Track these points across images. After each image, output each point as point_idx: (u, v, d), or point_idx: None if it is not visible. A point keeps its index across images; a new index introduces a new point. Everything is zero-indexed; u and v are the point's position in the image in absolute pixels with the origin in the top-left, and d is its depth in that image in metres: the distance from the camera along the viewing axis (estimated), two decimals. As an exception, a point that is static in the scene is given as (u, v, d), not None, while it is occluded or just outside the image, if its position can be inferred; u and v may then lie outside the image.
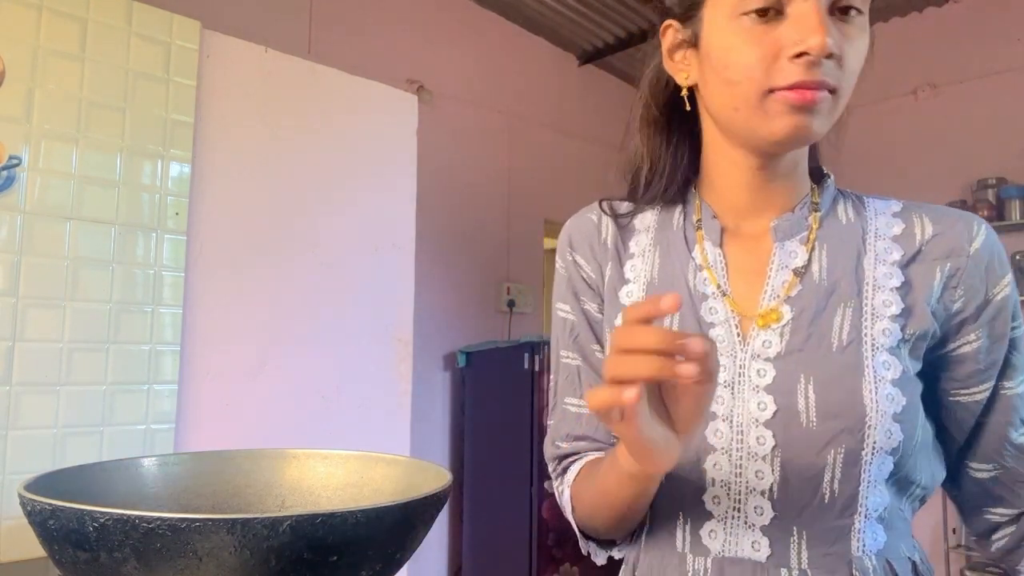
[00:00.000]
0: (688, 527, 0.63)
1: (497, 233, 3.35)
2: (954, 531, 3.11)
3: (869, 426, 0.57)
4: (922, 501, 0.65)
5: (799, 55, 0.55)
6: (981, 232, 0.63)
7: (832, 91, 0.57)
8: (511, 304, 3.31)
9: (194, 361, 1.57)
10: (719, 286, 0.65)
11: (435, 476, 0.60)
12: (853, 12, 0.57)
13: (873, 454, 0.57)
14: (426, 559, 2.93)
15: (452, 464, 3.04)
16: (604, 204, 0.74)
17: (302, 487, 0.68)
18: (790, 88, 0.56)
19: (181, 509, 0.63)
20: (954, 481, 0.69)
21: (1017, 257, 3.12)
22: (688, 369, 0.44)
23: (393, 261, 1.98)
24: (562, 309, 0.74)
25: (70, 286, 1.38)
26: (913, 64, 3.50)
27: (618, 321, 0.69)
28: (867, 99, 3.65)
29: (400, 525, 0.48)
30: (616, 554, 0.71)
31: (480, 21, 3.38)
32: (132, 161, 1.48)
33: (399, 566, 0.52)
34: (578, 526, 0.70)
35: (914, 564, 0.62)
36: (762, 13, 0.57)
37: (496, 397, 2.87)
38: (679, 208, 0.72)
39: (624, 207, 0.73)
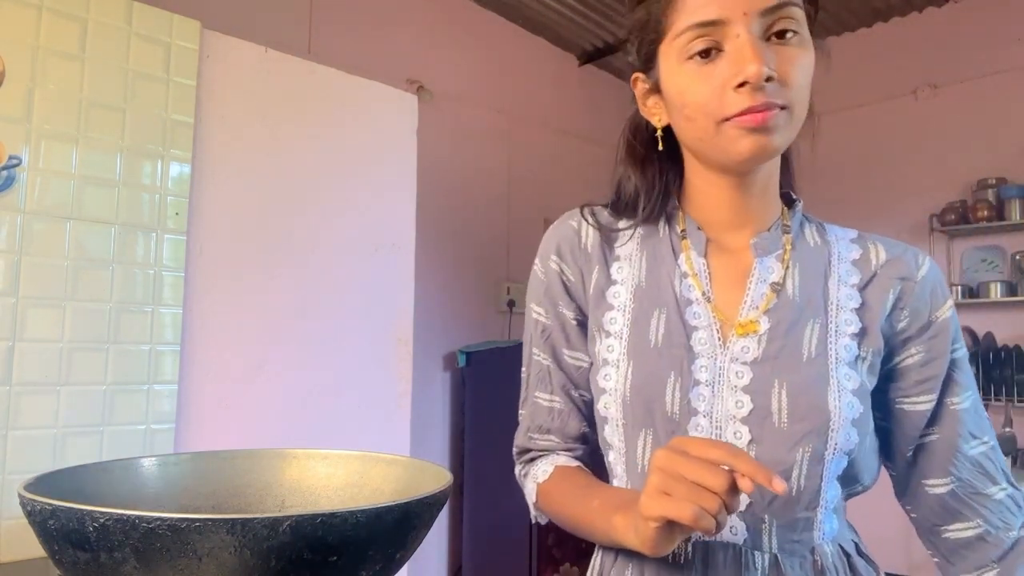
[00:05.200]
0: None
1: (497, 233, 3.35)
2: (954, 531, 3.10)
3: (832, 430, 0.64)
4: (858, 492, 0.73)
5: (741, 85, 0.61)
6: (927, 262, 0.72)
7: (783, 107, 0.62)
8: (511, 304, 3.31)
9: (194, 361, 1.57)
10: (704, 293, 0.71)
11: (435, 476, 0.60)
12: (790, 34, 0.63)
13: (834, 454, 0.65)
14: (426, 559, 2.93)
15: (452, 464, 3.04)
16: (586, 211, 0.79)
17: (302, 487, 0.68)
18: (741, 114, 0.62)
19: (181, 509, 0.63)
20: (913, 501, 0.75)
21: (1017, 257, 3.12)
22: (722, 525, 0.52)
23: (393, 261, 1.98)
24: (535, 311, 0.80)
25: (70, 286, 1.38)
26: (913, 64, 3.50)
27: (606, 319, 0.74)
28: (867, 99, 3.65)
29: (400, 525, 0.48)
30: None
31: (480, 21, 3.38)
32: (132, 161, 1.48)
33: (399, 566, 0.52)
34: (536, 509, 0.79)
35: (856, 544, 0.71)
36: (704, 54, 0.63)
37: (496, 397, 2.87)
38: (662, 219, 0.77)
39: (606, 216, 0.79)
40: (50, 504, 0.42)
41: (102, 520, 0.40)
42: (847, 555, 0.69)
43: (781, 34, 0.62)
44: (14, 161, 1.32)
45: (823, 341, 0.67)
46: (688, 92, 0.65)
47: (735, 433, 0.65)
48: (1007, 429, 2.99)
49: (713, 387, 0.67)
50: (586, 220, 0.79)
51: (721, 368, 0.67)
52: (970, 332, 3.16)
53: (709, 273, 0.72)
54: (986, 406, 3.04)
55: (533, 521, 0.80)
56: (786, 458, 0.64)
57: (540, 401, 0.79)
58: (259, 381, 1.68)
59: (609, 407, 0.71)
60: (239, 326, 1.65)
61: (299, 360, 1.75)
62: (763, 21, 0.62)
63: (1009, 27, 3.25)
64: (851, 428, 0.64)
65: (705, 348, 0.68)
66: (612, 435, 0.73)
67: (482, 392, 2.95)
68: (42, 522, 0.43)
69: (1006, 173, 3.19)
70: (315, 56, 2.21)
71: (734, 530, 0.65)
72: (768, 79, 0.61)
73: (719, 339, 0.68)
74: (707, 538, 0.65)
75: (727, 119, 0.63)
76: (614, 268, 0.76)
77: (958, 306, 3.23)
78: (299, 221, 1.78)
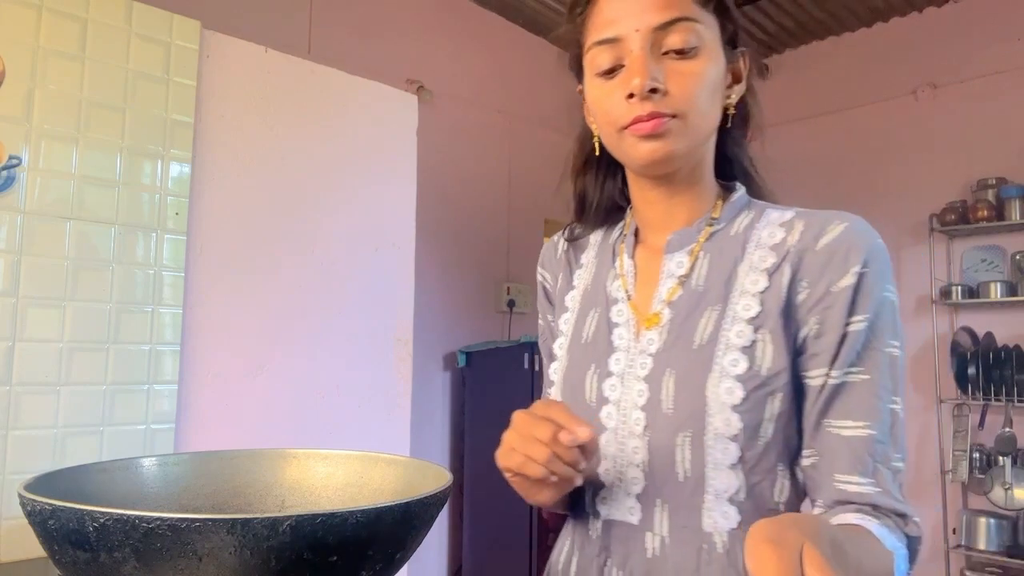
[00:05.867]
0: (590, 494, 0.75)
1: (497, 233, 3.35)
2: (954, 531, 3.10)
3: (709, 415, 0.67)
4: (800, 496, 0.71)
5: (630, 96, 0.67)
6: (835, 229, 0.68)
7: (673, 116, 0.67)
8: (511, 304, 3.31)
9: (194, 361, 1.57)
10: (627, 292, 0.78)
11: (435, 476, 0.61)
12: (689, 48, 0.68)
13: (715, 440, 0.67)
14: (426, 559, 2.93)
15: (452, 464, 3.04)
16: (567, 228, 0.89)
17: (302, 487, 0.68)
18: (632, 123, 0.68)
19: (181, 509, 0.63)
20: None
21: (1017, 257, 3.12)
22: (565, 474, 0.61)
23: (393, 261, 1.98)
24: (540, 317, 0.92)
25: (70, 286, 1.38)
26: (913, 64, 3.50)
27: (561, 321, 0.84)
28: (867, 99, 3.65)
29: (400, 525, 0.48)
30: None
31: (480, 21, 3.38)
32: (132, 161, 1.48)
33: (399, 566, 0.52)
34: None
35: None
36: (609, 68, 0.70)
37: (496, 397, 2.87)
38: (619, 225, 0.85)
39: (579, 230, 0.88)
40: (50, 504, 0.42)
41: (102, 520, 0.40)
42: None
43: (680, 49, 0.67)
44: (14, 161, 1.32)
45: (717, 328, 0.69)
46: (597, 103, 0.72)
47: (636, 420, 0.71)
48: (1007, 429, 2.99)
49: (623, 378, 0.73)
50: (563, 233, 0.88)
51: (632, 360, 0.73)
52: (970, 332, 3.16)
53: (635, 272, 0.79)
54: (986, 406, 3.06)
55: (546, 515, 0.87)
56: (670, 443, 0.68)
57: (548, 394, 0.88)
58: (259, 381, 1.68)
59: (555, 398, 0.81)
60: (239, 326, 1.65)
61: (299, 360, 1.75)
62: (656, 37, 0.67)
63: (1009, 27, 3.25)
64: (731, 413, 0.66)
65: (623, 343, 0.75)
66: None
67: (482, 392, 2.95)
68: (42, 522, 0.43)
69: (1006, 173, 3.19)
70: (315, 56, 2.21)
71: (632, 511, 0.71)
72: (654, 90, 0.66)
73: (634, 333, 0.74)
74: (610, 517, 0.72)
75: (625, 128, 0.69)
76: (576, 275, 0.85)
77: (958, 306, 3.24)
78: (299, 221, 1.78)
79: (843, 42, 3.77)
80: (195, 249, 1.58)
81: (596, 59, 0.70)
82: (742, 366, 0.67)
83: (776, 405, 0.67)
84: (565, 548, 0.79)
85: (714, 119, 0.72)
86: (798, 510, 0.71)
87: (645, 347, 0.72)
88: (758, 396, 0.66)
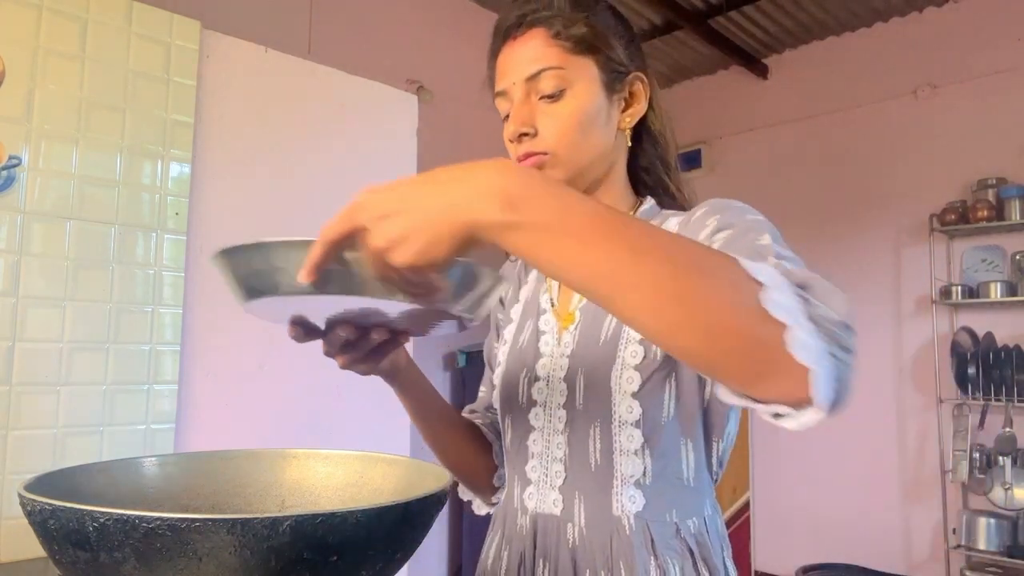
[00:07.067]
0: (518, 490, 0.81)
1: (497, 233, 3.35)
2: (954, 531, 3.10)
3: (614, 403, 0.73)
4: (709, 469, 0.76)
5: (511, 140, 0.78)
6: (699, 210, 0.74)
7: (545, 152, 0.76)
8: (511, 304, 3.30)
9: (194, 361, 1.57)
10: (552, 300, 0.85)
11: (435, 476, 0.61)
12: (558, 92, 0.76)
13: (620, 427, 0.73)
14: (426, 559, 2.93)
15: (452, 464, 3.04)
16: None
17: (302, 487, 0.68)
18: (519, 162, 0.76)
19: (181, 509, 0.63)
20: None
21: (1017, 257, 3.12)
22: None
23: (393, 261, 1.98)
24: (492, 322, 0.99)
25: (70, 286, 1.38)
26: (913, 64, 3.50)
27: (505, 330, 0.91)
28: (867, 99, 3.65)
29: (400, 525, 0.48)
30: (487, 510, 0.95)
31: (480, 21, 3.38)
32: (132, 161, 1.48)
33: (399, 566, 0.52)
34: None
35: (678, 529, 0.73)
36: (507, 116, 0.80)
37: (496, 397, 2.86)
38: None
39: None
40: (50, 504, 0.42)
41: (102, 520, 0.40)
42: (653, 536, 0.72)
43: (549, 94, 0.76)
44: (14, 161, 1.32)
45: (620, 325, 0.74)
46: (505, 143, 0.81)
47: (559, 418, 0.77)
48: (1007, 429, 2.99)
49: (548, 381, 0.79)
50: None
51: (555, 364, 0.79)
52: (970, 332, 3.16)
53: (560, 283, 0.83)
54: (986, 406, 3.06)
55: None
56: (585, 434, 0.75)
57: (480, 390, 0.98)
58: (259, 381, 1.68)
59: (495, 400, 0.88)
60: (239, 326, 1.65)
61: (299, 360, 1.75)
62: (530, 86, 0.77)
63: (1009, 27, 3.25)
64: (632, 400, 0.72)
65: (548, 348, 0.81)
66: (498, 422, 0.89)
67: (482, 392, 2.94)
68: (42, 522, 0.43)
69: (1006, 173, 3.19)
70: (315, 56, 2.20)
71: (556, 503, 0.76)
72: (524, 134, 0.76)
73: (556, 339, 0.81)
74: (538, 511, 0.78)
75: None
76: (522, 290, 0.93)
77: (958, 306, 3.23)
78: (299, 221, 1.78)
79: (843, 42, 3.77)
80: (195, 249, 1.58)
81: (498, 107, 0.82)
82: (639, 356, 0.73)
83: (673, 386, 0.73)
84: (494, 545, 0.84)
85: (594, 146, 0.78)
86: (707, 484, 0.76)
87: (564, 350, 0.79)
88: (655, 380, 0.72)
